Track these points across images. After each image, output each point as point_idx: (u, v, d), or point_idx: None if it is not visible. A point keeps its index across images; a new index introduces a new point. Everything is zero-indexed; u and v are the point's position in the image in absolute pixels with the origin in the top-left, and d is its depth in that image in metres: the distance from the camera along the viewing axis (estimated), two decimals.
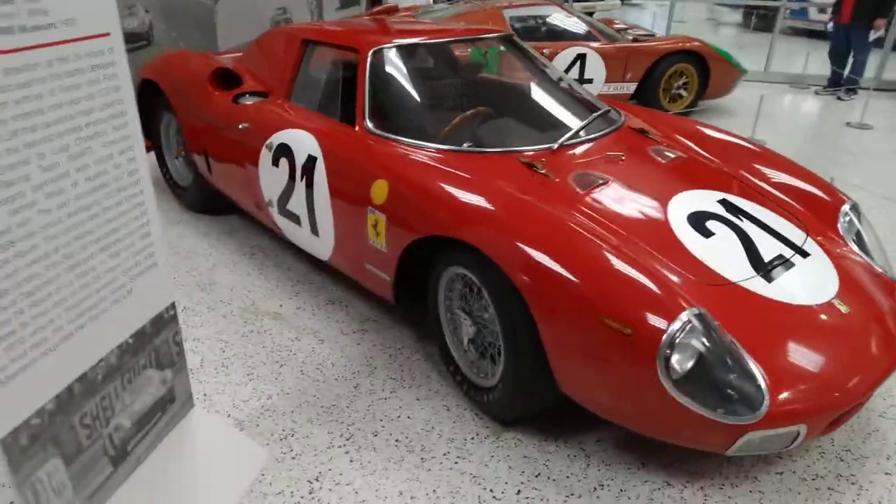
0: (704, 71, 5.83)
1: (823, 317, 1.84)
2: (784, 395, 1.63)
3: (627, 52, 5.57)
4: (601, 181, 2.20)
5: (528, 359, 1.89)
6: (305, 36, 2.94)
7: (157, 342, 1.75)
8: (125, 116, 1.38)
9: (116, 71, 1.33)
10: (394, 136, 2.40)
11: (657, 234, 2.00)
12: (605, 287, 1.70)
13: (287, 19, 6.35)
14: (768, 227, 2.14)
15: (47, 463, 1.41)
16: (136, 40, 4.58)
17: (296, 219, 2.69)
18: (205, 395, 2.27)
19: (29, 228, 1.29)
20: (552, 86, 2.90)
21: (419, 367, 2.43)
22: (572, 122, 2.58)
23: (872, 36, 6.75)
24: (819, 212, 2.32)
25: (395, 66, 2.65)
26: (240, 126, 2.89)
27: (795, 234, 2.15)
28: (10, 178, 1.24)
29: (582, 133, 2.47)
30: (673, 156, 2.49)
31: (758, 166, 2.53)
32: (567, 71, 5.48)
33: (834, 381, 1.70)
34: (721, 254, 1.96)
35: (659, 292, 1.68)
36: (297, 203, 2.63)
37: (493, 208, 1.93)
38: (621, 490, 1.91)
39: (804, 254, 2.06)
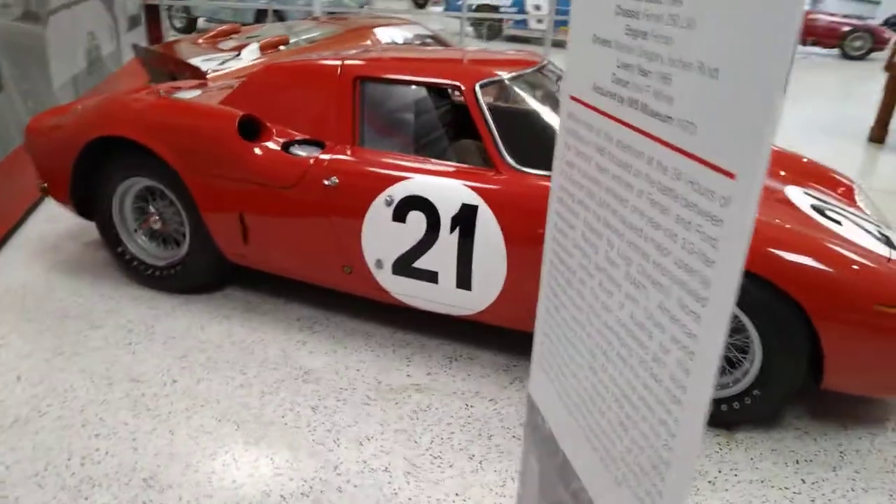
0: None
1: None
2: None
3: None
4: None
5: None
6: (359, 74, 2.60)
7: None
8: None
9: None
10: (547, 172, 2.34)
11: (813, 225, 2.35)
12: (868, 277, 1.99)
13: (96, 45, 5.21)
14: (850, 210, 2.67)
15: None
16: None
17: (429, 276, 2.42)
18: None
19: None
20: None
21: None
22: None
23: None
24: (843, 192, 2.95)
25: (507, 98, 2.55)
26: (325, 182, 2.45)
27: (861, 212, 2.71)
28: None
29: None
30: None
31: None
32: None
33: None
34: (860, 236, 2.41)
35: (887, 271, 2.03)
36: (437, 258, 2.37)
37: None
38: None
39: (885, 226, 2.63)
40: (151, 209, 2.89)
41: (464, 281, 2.39)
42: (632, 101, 1.03)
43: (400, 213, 2.37)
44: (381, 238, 2.44)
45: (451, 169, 2.40)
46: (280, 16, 9.11)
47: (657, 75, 0.95)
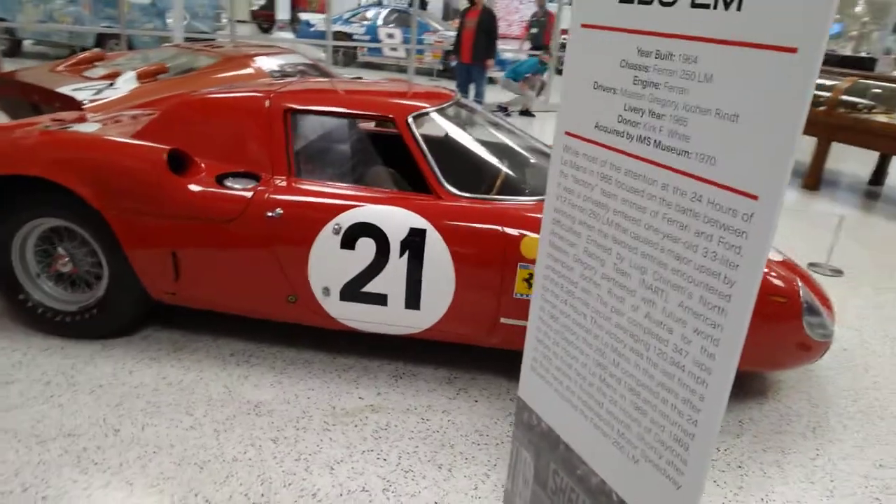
0: None
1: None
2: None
3: None
4: None
5: None
6: (291, 106, 2.63)
7: None
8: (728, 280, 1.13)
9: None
10: (483, 196, 2.55)
11: None
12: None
13: None
14: None
15: None
16: None
17: (378, 299, 2.51)
18: None
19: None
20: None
21: None
22: None
23: (487, 73, 8.81)
24: None
25: (440, 128, 2.71)
26: (269, 214, 2.44)
27: None
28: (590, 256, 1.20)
29: None
30: None
31: None
32: None
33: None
34: None
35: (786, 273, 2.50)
36: (387, 281, 2.47)
37: None
38: None
39: None
40: (60, 251, 2.67)
41: (413, 301, 2.51)
42: (642, 139, 1.25)
43: (348, 241, 2.44)
44: (329, 266, 2.49)
45: (395, 196, 2.52)
46: (128, 41, 8.56)
47: (671, 118, 1.18)
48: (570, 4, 1.40)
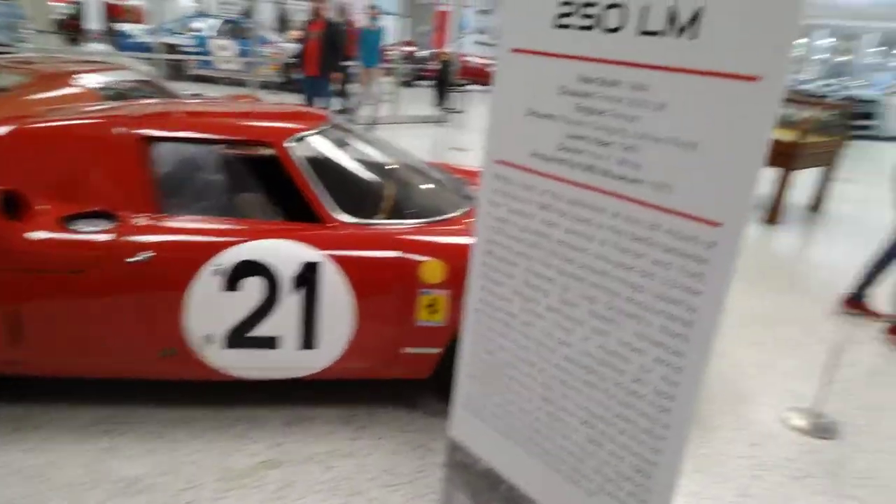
0: None
1: None
2: None
3: None
4: None
5: None
6: (149, 134, 2.31)
7: None
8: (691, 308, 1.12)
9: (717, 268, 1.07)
10: (375, 221, 2.42)
11: None
12: None
13: None
14: None
15: None
16: None
17: (268, 343, 2.27)
18: None
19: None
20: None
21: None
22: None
23: (332, 86, 8.62)
24: None
25: (321, 152, 2.52)
26: (130, 259, 2.11)
27: None
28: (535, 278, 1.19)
29: None
30: None
31: None
32: None
33: None
34: None
35: None
36: (278, 322, 2.24)
37: None
38: None
39: None
40: None
41: (308, 340, 2.30)
42: (588, 167, 1.21)
43: (232, 282, 2.19)
44: (211, 311, 2.21)
45: (281, 228, 2.30)
46: None
47: (620, 146, 1.15)
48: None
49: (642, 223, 1.14)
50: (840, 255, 5.36)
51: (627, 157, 1.14)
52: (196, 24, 13.52)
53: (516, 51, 1.28)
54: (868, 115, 14.13)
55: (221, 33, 13.15)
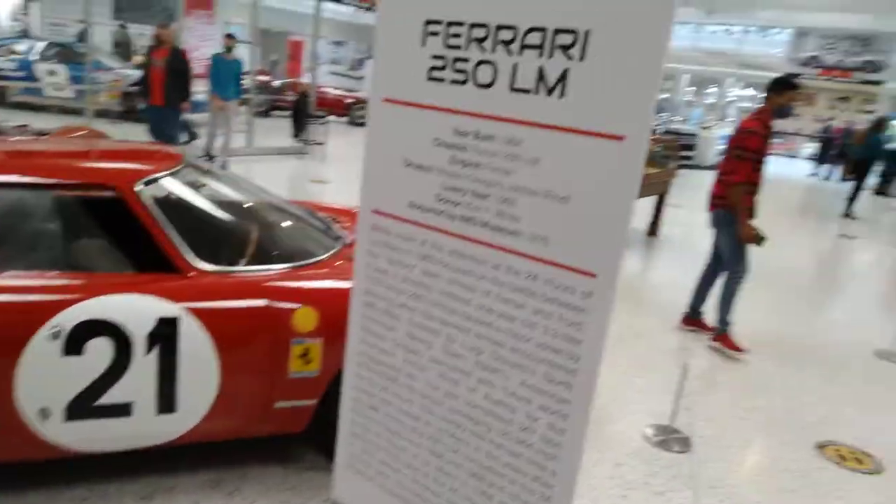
0: None
1: None
2: None
3: None
4: None
5: None
6: None
7: None
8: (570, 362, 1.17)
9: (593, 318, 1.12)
10: (239, 268, 2.28)
11: None
12: None
13: None
14: None
15: None
16: None
17: (119, 410, 2.04)
18: None
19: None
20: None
21: None
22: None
23: (182, 116, 8.13)
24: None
25: (176, 195, 2.33)
26: None
27: None
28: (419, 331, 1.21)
29: None
30: None
31: None
32: None
33: None
34: None
35: None
36: (131, 386, 2.02)
37: None
38: None
39: None
40: None
41: (166, 404, 2.09)
42: (466, 218, 1.22)
43: (74, 345, 1.94)
44: (48, 381, 1.93)
45: (132, 281, 2.09)
46: None
47: (497, 199, 1.17)
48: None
49: (521, 274, 1.16)
50: (678, 275, 5.90)
51: (504, 210, 1.16)
52: (19, 48, 12.21)
53: (388, 100, 1.26)
54: (689, 147, 15.88)
55: (47, 57, 11.97)
